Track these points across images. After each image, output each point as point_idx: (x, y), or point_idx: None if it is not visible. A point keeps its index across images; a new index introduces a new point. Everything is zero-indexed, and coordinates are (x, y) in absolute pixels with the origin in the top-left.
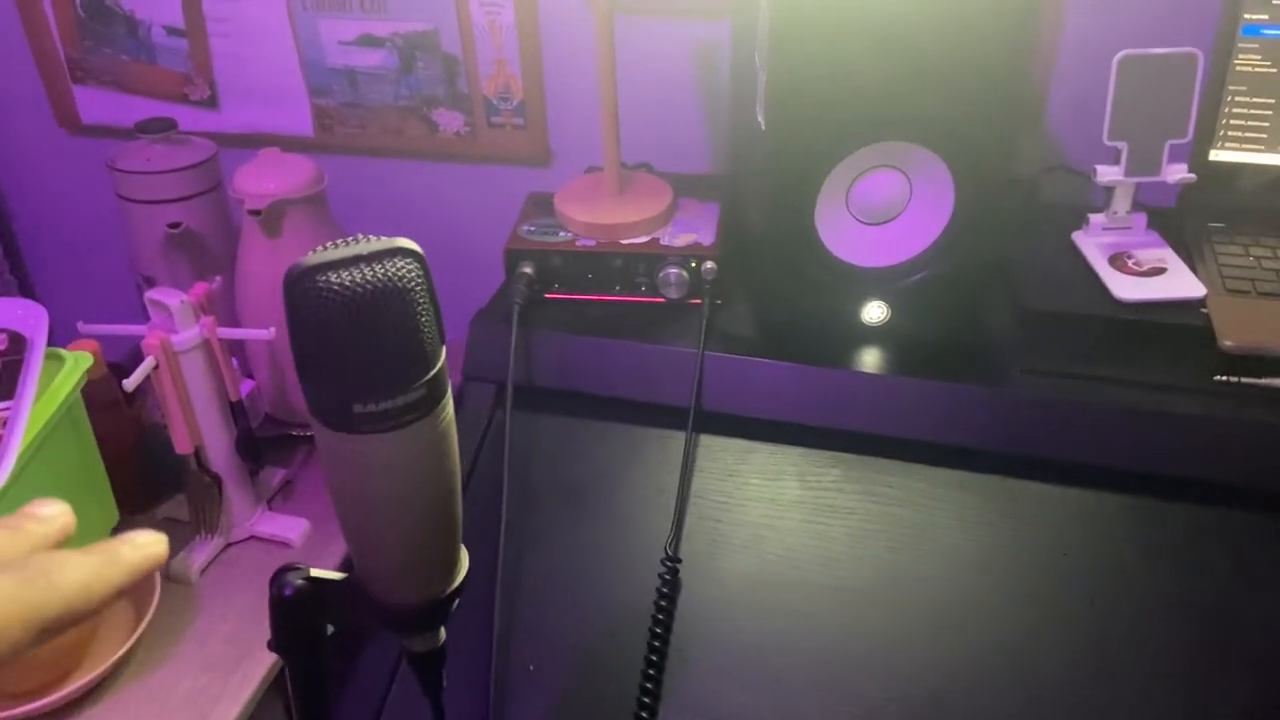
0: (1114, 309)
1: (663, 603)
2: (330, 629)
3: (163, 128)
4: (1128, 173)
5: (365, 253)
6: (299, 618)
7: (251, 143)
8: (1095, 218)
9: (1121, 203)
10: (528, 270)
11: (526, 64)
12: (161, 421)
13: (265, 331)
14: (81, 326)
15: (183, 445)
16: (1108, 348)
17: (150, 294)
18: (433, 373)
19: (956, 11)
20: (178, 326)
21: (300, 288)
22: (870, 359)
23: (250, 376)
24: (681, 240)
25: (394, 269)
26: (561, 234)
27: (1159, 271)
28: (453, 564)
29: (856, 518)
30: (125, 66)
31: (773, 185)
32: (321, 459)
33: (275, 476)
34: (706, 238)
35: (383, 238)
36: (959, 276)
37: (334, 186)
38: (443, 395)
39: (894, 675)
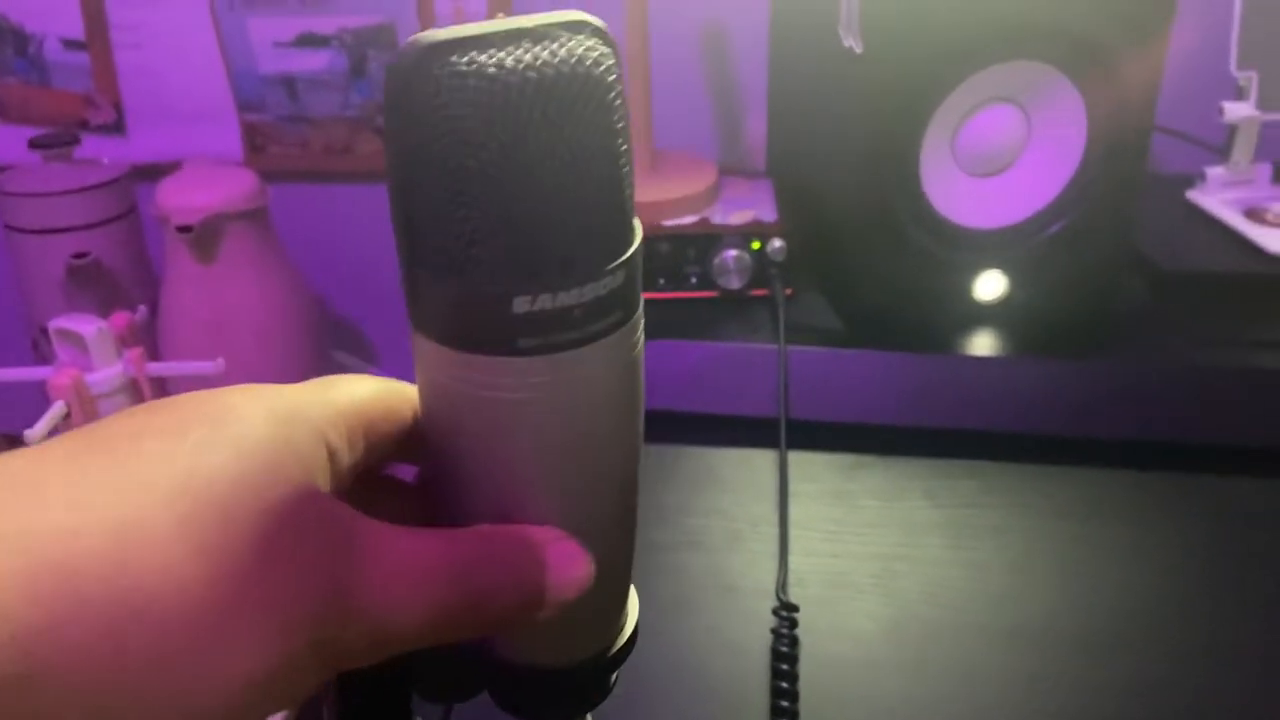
0: (1268, 264)
1: (782, 664)
2: None
3: (61, 142)
4: (1260, 105)
5: (529, 25)
6: (380, 700)
7: (167, 173)
8: (1214, 171)
9: (1243, 151)
10: None
11: None
12: None
13: (211, 364)
14: None
15: None
16: (1263, 309)
17: (57, 322)
18: (635, 246)
19: None
20: (94, 362)
21: (425, 79)
22: (991, 342)
23: None
24: (738, 218)
25: (581, 51)
26: None
27: None
28: (625, 599)
29: (1011, 537)
30: (12, 91)
31: (869, 126)
32: (430, 416)
33: None
34: (767, 214)
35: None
36: (1088, 236)
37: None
38: (640, 292)
39: None
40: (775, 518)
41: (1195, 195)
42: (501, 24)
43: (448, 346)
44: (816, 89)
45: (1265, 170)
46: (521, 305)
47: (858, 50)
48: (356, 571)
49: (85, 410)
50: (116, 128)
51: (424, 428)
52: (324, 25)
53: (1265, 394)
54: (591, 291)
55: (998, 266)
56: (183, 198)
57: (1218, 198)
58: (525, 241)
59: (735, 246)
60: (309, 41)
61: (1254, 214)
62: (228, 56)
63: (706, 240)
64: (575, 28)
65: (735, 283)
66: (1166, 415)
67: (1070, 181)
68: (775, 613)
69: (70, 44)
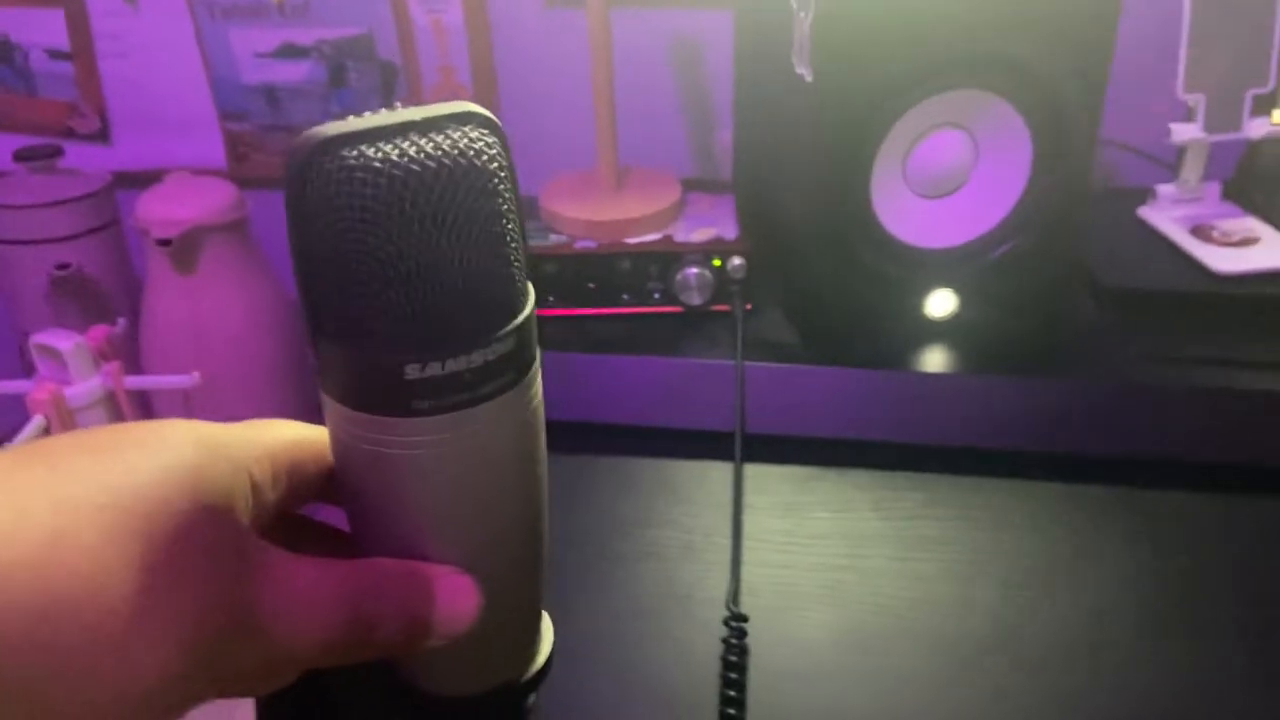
0: (1212, 283)
1: (731, 674)
2: None
3: (45, 154)
4: (1207, 128)
5: (417, 119)
6: None
7: (151, 181)
8: (1164, 189)
9: (1193, 170)
10: None
11: (477, 69)
12: None
13: (187, 378)
14: None
15: None
16: (1207, 326)
17: (37, 338)
18: (524, 314)
19: None
20: (72, 376)
21: (317, 172)
22: (942, 358)
23: None
24: (699, 235)
25: (465, 142)
26: (553, 237)
27: (1252, 242)
28: (535, 631)
29: (956, 549)
30: None
31: (821, 150)
32: (340, 465)
33: None
34: (729, 231)
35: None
36: (1036, 256)
37: (252, 226)
38: (534, 353)
39: None
40: (729, 529)
41: (1146, 212)
42: (392, 116)
43: (347, 406)
44: (775, 111)
45: (1215, 188)
46: (413, 372)
47: (808, 79)
48: (256, 595)
49: (64, 423)
50: (102, 136)
51: (335, 474)
52: (303, 36)
53: (1209, 411)
54: (480, 357)
55: (948, 285)
56: (162, 211)
57: (1168, 215)
58: (413, 317)
59: (697, 264)
60: (289, 52)
61: (1200, 232)
62: (210, 66)
63: (669, 257)
64: (462, 119)
65: (697, 299)
66: (1111, 431)
67: (1017, 203)
68: (726, 623)
69: (56, 54)
